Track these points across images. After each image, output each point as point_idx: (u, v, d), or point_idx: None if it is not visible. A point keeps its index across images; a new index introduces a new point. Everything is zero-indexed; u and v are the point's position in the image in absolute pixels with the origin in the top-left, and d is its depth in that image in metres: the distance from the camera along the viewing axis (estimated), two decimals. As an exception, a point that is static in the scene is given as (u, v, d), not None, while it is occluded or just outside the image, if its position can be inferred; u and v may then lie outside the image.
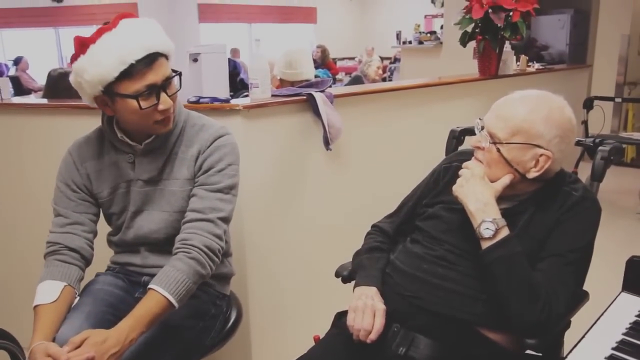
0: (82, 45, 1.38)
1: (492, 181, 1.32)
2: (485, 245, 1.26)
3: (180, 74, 1.49)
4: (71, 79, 1.44)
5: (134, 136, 1.52)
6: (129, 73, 1.35)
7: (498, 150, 1.31)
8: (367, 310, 1.34)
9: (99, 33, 1.39)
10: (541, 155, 1.28)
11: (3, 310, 2.58)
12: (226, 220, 1.51)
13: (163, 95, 1.42)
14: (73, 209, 1.54)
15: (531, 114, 1.29)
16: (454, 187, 1.35)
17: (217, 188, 1.50)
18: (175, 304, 1.37)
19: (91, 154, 1.57)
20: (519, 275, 1.23)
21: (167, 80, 1.43)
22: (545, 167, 1.29)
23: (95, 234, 1.58)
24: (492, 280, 1.26)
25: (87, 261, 1.55)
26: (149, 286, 1.38)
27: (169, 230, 1.54)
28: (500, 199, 1.33)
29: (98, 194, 1.57)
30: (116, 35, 1.37)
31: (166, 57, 1.44)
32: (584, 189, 1.36)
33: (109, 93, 1.39)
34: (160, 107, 1.42)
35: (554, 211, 1.32)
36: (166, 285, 1.36)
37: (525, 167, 1.30)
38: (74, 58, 1.40)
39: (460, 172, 1.37)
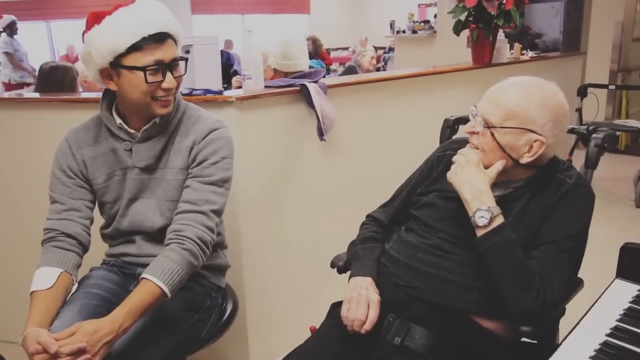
0: (96, 17, 1.43)
1: (486, 166, 1.32)
2: (479, 233, 1.27)
3: (186, 60, 1.52)
4: (80, 50, 1.47)
5: (132, 123, 1.53)
6: (140, 46, 1.40)
7: (492, 134, 1.31)
8: (361, 301, 1.35)
9: (115, 8, 1.43)
10: (535, 140, 1.29)
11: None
12: (218, 213, 1.52)
13: (169, 75, 1.45)
14: (69, 195, 1.55)
15: (524, 99, 1.29)
16: (449, 174, 1.35)
17: (210, 180, 1.50)
18: (169, 294, 1.37)
19: (88, 141, 1.58)
20: (513, 263, 1.23)
21: (174, 62, 1.47)
22: (538, 153, 1.30)
23: (91, 220, 1.58)
24: (486, 268, 1.26)
25: (84, 247, 1.55)
26: (143, 275, 1.37)
27: (161, 218, 1.55)
28: (494, 186, 1.33)
29: (93, 180, 1.57)
30: (132, 10, 1.43)
31: (175, 41, 1.48)
32: (578, 176, 1.36)
33: (116, 65, 1.42)
34: (165, 85, 1.45)
35: (548, 198, 1.32)
36: (160, 275, 1.36)
37: (519, 153, 1.31)
38: (86, 30, 1.44)
39: (455, 158, 1.36)
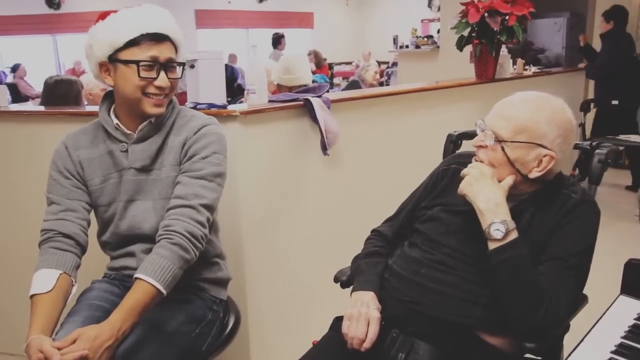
0: (103, 15, 1.51)
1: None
2: (493, 246, 1.25)
3: (183, 65, 1.58)
4: (85, 43, 1.53)
5: (128, 125, 1.56)
6: (137, 42, 1.46)
7: (502, 149, 1.31)
8: (360, 319, 1.34)
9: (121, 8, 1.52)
10: (545, 155, 1.29)
11: None
12: (209, 207, 1.51)
13: (162, 73, 1.49)
14: (66, 195, 1.55)
15: (534, 114, 1.29)
16: (462, 186, 1.32)
17: (200, 175, 1.51)
18: (163, 291, 1.37)
19: (85, 143, 1.60)
20: (525, 279, 1.22)
21: (170, 63, 1.51)
22: (547, 168, 1.30)
23: (88, 222, 1.58)
24: (496, 282, 1.25)
25: (82, 248, 1.55)
26: (135, 275, 1.38)
27: (158, 218, 1.54)
28: None
29: (89, 182, 1.58)
30: (136, 10, 1.50)
31: (175, 45, 1.53)
32: (583, 192, 1.36)
33: (114, 60, 1.48)
34: (157, 82, 1.48)
35: (554, 214, 1.32)
36: (152, 273, 1.36)
37: (528, 167, 1.30)
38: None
39: (466, 171, 1.33)
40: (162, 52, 1.48)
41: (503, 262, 1.23)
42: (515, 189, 1.34)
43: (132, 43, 1.45)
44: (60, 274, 1.44)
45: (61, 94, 2.95)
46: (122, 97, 1.52)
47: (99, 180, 1.58)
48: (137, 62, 1.45)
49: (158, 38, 1.48)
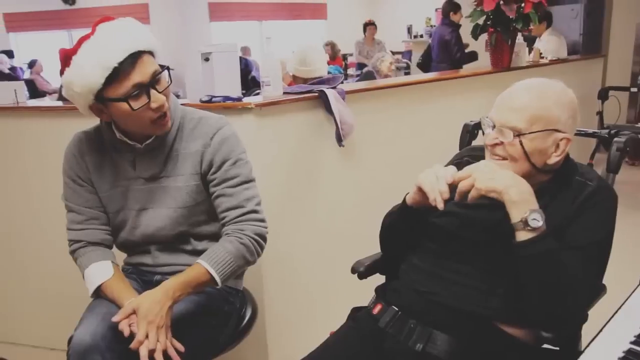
0: (65, 58, 1.39)
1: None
2: (525, 237, 1.17)
3: (168, 68, 1.45)
4: (64, 92, 1.44)
5: (133, 136, 1.52)
6: (114, 77, 1.34)
7: (521, 142, 1.28)
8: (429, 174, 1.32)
9: (79, 43, 1.38)
10: (562, 139, 1.28)
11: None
12: (260, 203, 1.58)
13: (153, 93, 1.39)
14: (84, 204, 1.57)
15: (543, 100, 1.28)
16: (480, 182, 1.21)
17: (240, 181, 1.54)
18: (219, 283, 1.45)
19: (91, 149, 1.57)
20: (557, 270, 1.18)
21: (155, 77, 1.40)
22: (566, 150, 1.30)
23: (109, 223, 1.63)
24: (525, 273, 1.20)
25: (110, 247, 1.62)
26: (197, 261, 1.45)
27: (175, 226, 1.56)
28: None
29: (98, 188, 1.58)
30: (95, 42, 1.36)
31: (151, 53, 1.41)
32: (599, 179, 1.35)
33: (101, 100, 1.38)
34: (153, 105, 1.39)
35: (570, 202, 1.30)
36: (215, 264, 1.44)
37: (547, 153, 1.29)
38: (61, 72, 1.40)
39: (474, 167, 1.26)
40: (143, 72, 1.36)
41: (540, 253, 1.17)
42: (531, 180, 1.31)
43: (110, 80, 1.34)
44: (110, 262, 1.54)
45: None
46: (124, 126, 1.48)
47: (106, 187, 1.58)
48: (125, 99, 1.36)
49: (132, 61, 1.35)
